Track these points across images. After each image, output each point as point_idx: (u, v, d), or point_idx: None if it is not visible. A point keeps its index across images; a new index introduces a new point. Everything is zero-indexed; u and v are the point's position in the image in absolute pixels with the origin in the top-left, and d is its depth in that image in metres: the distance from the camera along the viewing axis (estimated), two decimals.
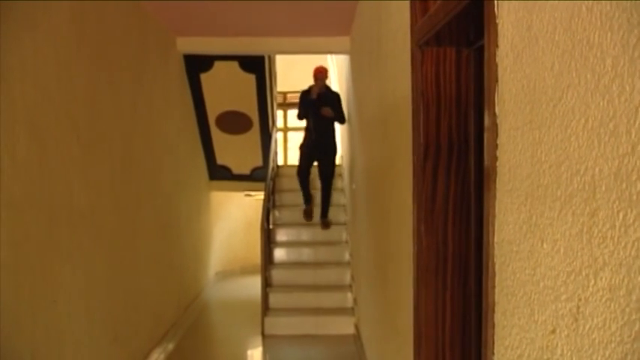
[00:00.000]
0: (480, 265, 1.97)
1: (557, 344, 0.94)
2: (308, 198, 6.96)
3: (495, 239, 1.24)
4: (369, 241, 4.21)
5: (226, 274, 8.71)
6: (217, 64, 6.32)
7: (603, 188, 0.80)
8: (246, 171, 7.63)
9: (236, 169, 7.62)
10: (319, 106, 6.49)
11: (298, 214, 6.99)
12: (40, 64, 2.96)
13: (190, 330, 6.04)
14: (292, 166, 8.06)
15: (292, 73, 9.03)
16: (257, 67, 6.43)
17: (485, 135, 1.30)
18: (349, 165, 6.53)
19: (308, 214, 6.96)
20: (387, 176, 3.07)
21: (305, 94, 6.67)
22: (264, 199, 6.41)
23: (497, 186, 1.23)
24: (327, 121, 6.62)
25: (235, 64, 6.34)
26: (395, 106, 2.71)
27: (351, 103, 5.95)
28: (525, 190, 1.08)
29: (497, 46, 1.24)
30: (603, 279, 0.80)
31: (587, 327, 0.84)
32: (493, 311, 1.24)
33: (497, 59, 1.23)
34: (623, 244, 0.75)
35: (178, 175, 6.10)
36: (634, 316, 0.73)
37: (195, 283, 7.00)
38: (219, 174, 7.64)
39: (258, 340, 5.69)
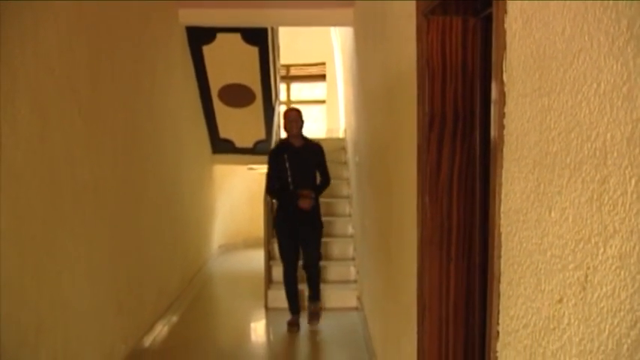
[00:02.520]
0: (485, 236, 1.97)
1: (564, 313, 0.93)
2: (295, 306, 5.20)
3: (502, 209, 1.22)
4: (373, 214, 4.21)
5: (229, 247, 8.73)
6: (220, 36, 6.25)
7: (615, 154, 0.78)
8: (249, 144, 7.60)
9: (239, 143, 7.59)
10: (298, 161, 4.87)
11: None
12: (41, 35, 2.92)
13: (194, 302, 6.07)
14: None
15: (296, 46, 8.94)
16: (260, 39, 6.35)
17: (493, 104, 1.28)
18: (353, 138, 6.50)
19: (294, 325, 5.09)
20: (390, 148, 3.05)
21: (278, 151, 4.95)
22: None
23: (505, 155, 1.21)
24: (308, 177, 4.94)
25: (238, 36, 6.27)
26: (399, 78, 2.68)
27: (356, 76, 5.89)
28: (533, 159, 1.06)
29: (505, 12, 1.21)
30: (613, 247, 0.78)
31: (596, 295, 0.83)
32: (499, 281, 1.23)
33: (506, 25, 1.20)
34: (635, 210, 0.74)
35: (182, 148, 6.08)
36: None
37: (198, 256, 7.03)
38: (222, 147, 7.62)
39: (262, 312, 5.73)
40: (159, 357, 4.53)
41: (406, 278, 2.57)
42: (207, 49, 6.40)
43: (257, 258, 6.55)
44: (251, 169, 8.71)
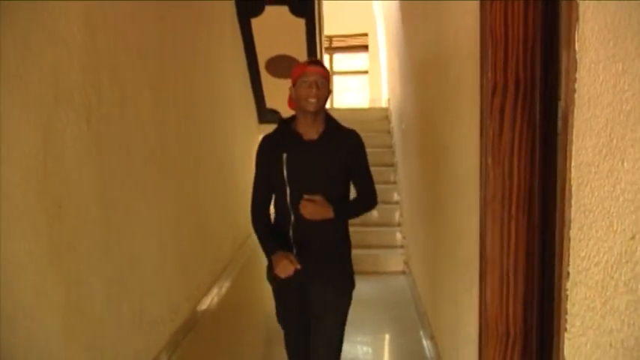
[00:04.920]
0: (545, 195, 2.12)
1: (636, 248, 1.09)
2: None
3: (573, 163, 1.37)
4: (422, 180, 4.36)
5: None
6: (268, 8, 6.41)
7: None
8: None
9: (285, 113, 7.74)
10: (310, 168, 2.57)
11: None
12: (118, 11, 3.13)
13: (244, 267, 6.34)
14: (338, 109, 8.20)
15: (338, 17, 9.04)
16: (307, 11, 6.50)
17: (564, 71, 1.42)
18: (398, 107, 6.63)
19: None
20: (447, 114, 3.19)
21: (271, 147, 2.63)
22: None
23: (576, 115, 1.36)
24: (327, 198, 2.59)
25: (285, 9, 6.42)
26: (457, 48, 2.81)
27: (402, 47, 6.00)
28: (606, 117, 1.21)
29: None
30: None
31: None
32: (569, 227, 1.39)
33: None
34: None
35: (233, 117, 6.31)
36: None
37: (246, 222, 7.26)
38: (269, 117, 7.81)
39: None
40: (216, 318, 4.81)
41: (462, 237, 2.74)
42: (255, 22, 6.57)
43: None
44: None
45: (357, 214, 2.73)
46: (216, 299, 5.17)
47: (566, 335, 1.43)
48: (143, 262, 3.50)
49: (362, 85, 10.21)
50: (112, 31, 3.05)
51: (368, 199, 2.76)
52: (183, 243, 4.37)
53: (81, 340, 2.70)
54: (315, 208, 2.53)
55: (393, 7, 6.77)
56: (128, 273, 3.25)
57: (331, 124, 2.63)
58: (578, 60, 1.35)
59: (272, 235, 2.68)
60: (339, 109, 8.66)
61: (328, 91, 2.54)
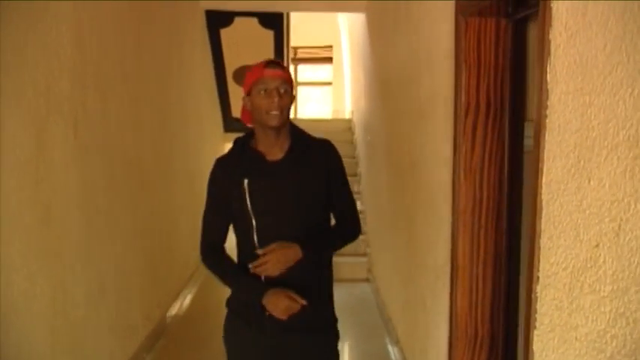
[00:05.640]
0: (511, 206, 2.32)
1: (599, 255, 1.28)
2: None
3: (544, 180, 1.56)
4: (389, 191, 4.56)
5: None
6: (238, 19, 6.55)
7: None
8: None
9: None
10: (279, 195, 2.10)
11: None
12: (102, 24, 3.23)
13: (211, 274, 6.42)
14: (302, 120, 8.38)
15: (303, 28, 9.22)
16: (276, 23, 6.66)
17: (537, 97, 1.61)
18: (363, 119, 6.83)
19: None
20: (416, 130, 3.38)
21: (227, 173, 2.15)
22: None
23: (547, 138, 1.55)
24: (300, 227, 2.11)
25: (255, 21, 6.57)
26: (430, 66, 3.00)
27: (369, 61, 6.20)
28: (574, 141, 1.40)
29: (550, 25, 1.54)
30: None
31: (628, 238, 1.18)
32: (540, 237, 1.58)
33: (551, 36, 1.54)
34: None
35: (201, 126, 6.41)
36: None
37: None
38: (234, 126, 7.92)
39: None
40: (185, 323, 4.91)
41: (433, 245, 2.93)
42: (224, 32, 6.70)
43: None
44: None
45: (336, 249, 2.21)
46: (185, 305, 5.25)
47: (535, 332, 1.62)
48: (120, 269, 3.57)
49: (324, 96, 10.41)
50: (96, 43, 3.14)
51: (348, 228, 2.25)
52: (155, 249, 4.45)
53: (64, 344, 2.77)
54: (277, 260, 2.01)
55: (359, 21, 6.98)
56: (107, 279, 3.33)
57: (299, 138, 2.15)
58: (549, 90, 1.54)
59: (241, 269, 2.15)
60: (302, 120, 8.84)
61: (292, 98, 2.06)
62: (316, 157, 2.15)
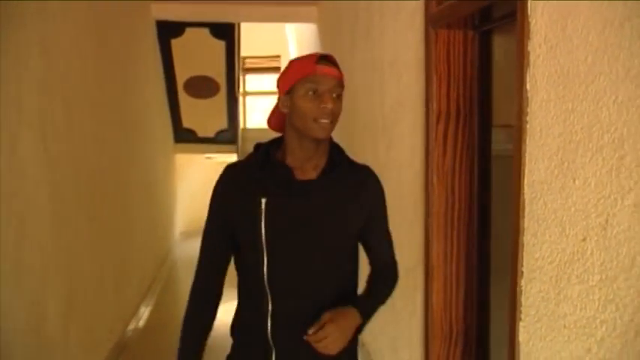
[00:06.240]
0: (481, 209, 2.46)
1: (587, 247, 1.40)
2: None
3: (526, 181, 1.68)
4: None
5: (190, 234, 9.03)
6: (189, 30, 6.56)
7: (631, 141, 1.25)
8: (211, 134, 7.93)
9: (201, 132, 7.90)
10: (307, 225, 1.62)
11: None
12: (66, 37, 3.21)
13: (166, 285, 6.39)
14: (251, 129, 8.47)
15: (251, 38, 9.26)
16: (227, 33, 6.70)
17: (516, 104, 1.73)
18: None
19: None
20: (383, 136, 3.49)
21: (236, 186, 1.67)
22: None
23: (529, 142, 1.67)
24: (327, 276, 1.66)
25: (206, 31, 6.59)
26: (396, 76, 3.12)
27: None
28: (557, 145, 1.52)
29: (529, 38, 1.66)
30: (629, 199, 1.25)
31: (615, 232, 1.30)
32: (523, 234, 1.70)
33: (530, 48, 1.66)
34: None
35: (154, 137, 6.37)
36: None
37: (166, 240, 7.34)
38: (184, 137, 7.92)
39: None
40: (144, 336, 4.89)
41: (404, 248, 3.03)
42: (175, 43, 6.70)
43: None
44: (209, 158, 9.01)
45: (379, 304, 1.78)
46: (143, 318, 5.21)
47: (521, 324, 1.73)
48: (88, 282, 3.54)
49: (271, 106, 10.47)
50: (61, 55, 3.12)
51: (389, 275, 1.89)
52: (116, 261, 4.41)
53: None
54: (340, 332, 1.54)
55: (308, 31, 7.08)
56: (77, 293, 3.30)
57: (337, 157, 1.71)
58: (529, 98, 1.67)
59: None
60: (252, 129, 8.88)
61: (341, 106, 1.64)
62: (357, 186, 1.70)
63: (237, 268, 1.73)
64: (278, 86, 1.68)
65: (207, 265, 1.74)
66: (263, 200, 1.59)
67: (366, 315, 1.66)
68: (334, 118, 1.60)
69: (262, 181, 1.62)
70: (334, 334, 1.52)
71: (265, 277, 1.61)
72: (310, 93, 1.57)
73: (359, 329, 1.67)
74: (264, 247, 1.59)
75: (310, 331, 1.53)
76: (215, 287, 1.75)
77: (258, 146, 1.72)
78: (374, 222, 1.75)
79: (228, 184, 1.69)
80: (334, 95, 1.59)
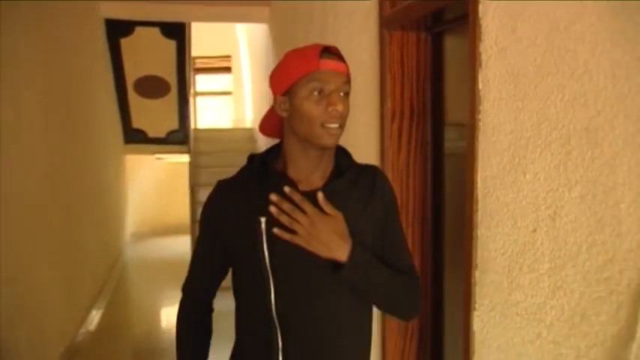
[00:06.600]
0: (435, 205, 2.54)
1: (537, 238, 1.48)
2: None
3: (479, 176, 1.76)
4: None
5: (140, 236, 8.92)
6: (138, 29, 6.48)
7: (577, 137, 1.33)
8: (162, 134, 7.84)
9: (152, 133, 7.81)
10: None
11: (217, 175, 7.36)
12: (14, 29, 3.15)
13: (117, 288, 6.31)
14: (203, 130, 8.43)
15: (201, 38, 9.21)
16: (178, 33, 6.65)
17: (469, 103, 1.81)
18: None
19: None
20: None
21: (232, 200, 1.49)
22: (191, 160, 6.70)
23: (481, 139, 1.75)
24: (342, 297, 1.45)
25: (156, 30, 6.53)
26: (352, 77, 3.17)
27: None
28: (509, 141, 1.60)
29: (481, 40, 1.74)
30: (576, 191, 1.34)
31: (563, 222, 1.38)
32: (477, 228, 1.77)
33: (481, 49, 1.74)
34: (590, 169, 1.29)
35: (104, 138, 6.28)
36: (597, 209, 1.28)
37: (117, 242, 7.23)
38: (135, 137, 7.81)
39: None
40: (96, 339, 4.82)
41: None
42: (124, 42, 6.61)
43: (168, 245, 7.07)
44: (159, 158, 8.91)
45: (393, 291, 1.52)
46: (95, 321, 5.13)
47: (475, 313, 1.81)
48: (37, 286, 3.48)
49: (222, 106, 10.43)
50: (9, 57, 3.06)
51: (411, 280, 1.59)
52: (69, 263, 4.34)
53: None
54: (314, 225, 1.35)
55: (260, 32, 7.10)
56: (25, 297, 3.24)
57: (342, 161, 1.55)
58: (482, 97, 1.75)
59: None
60: (203, 130, 8.83)
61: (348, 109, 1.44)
62: (367, 190, 1.51)
63: (237, 297, 1.53)
64: (272, 85, 1.46)
65: (194, 290, 1.62)
66: (262, 219, 1.39)
67: (357, 263, 1.38)
68: (343, 121, 1.41)
69: (260, 198, 1.38)
70: (306, 223, 1.34)
71: (273, 307, 1.39)
72: (315, 94, 1.36)
73: (343, 278, 1.38)
74: (269, 272, 1.39)
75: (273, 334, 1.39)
76: (204, 309, 1.63)
77: (251, 157, 1.52)
78: (389, 229, 1.54)
79: (220, 203, 1.50)
80: (342, 94, 1.40)
